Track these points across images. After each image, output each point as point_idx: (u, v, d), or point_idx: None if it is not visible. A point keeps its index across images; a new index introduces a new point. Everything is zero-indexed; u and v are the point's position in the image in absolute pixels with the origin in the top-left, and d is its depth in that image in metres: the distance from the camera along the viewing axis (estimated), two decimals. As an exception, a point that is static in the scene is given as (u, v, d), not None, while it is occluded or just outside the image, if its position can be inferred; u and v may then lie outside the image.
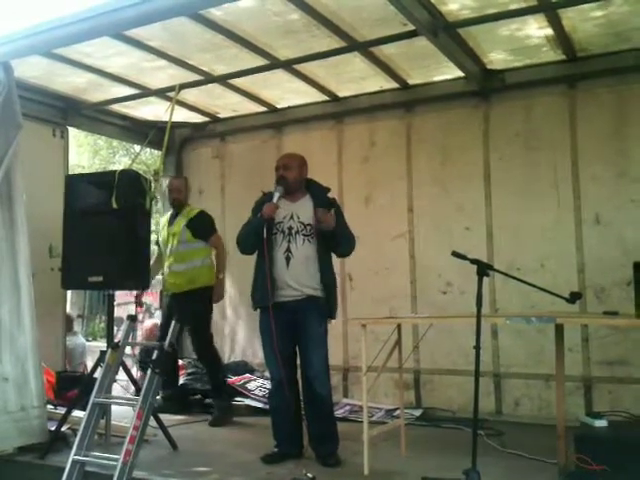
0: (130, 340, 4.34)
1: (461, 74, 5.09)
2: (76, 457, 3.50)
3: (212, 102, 6.11)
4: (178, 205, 5.33)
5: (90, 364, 5.87)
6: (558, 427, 3.58)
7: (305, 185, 4.03)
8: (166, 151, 5.13)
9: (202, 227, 5.21)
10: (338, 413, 4.99)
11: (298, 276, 3.80)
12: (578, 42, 4.67)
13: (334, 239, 3.84)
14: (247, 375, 5.77)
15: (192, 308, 5.10)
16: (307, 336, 3.81)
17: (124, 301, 9.87)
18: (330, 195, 4.06)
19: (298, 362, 3.93)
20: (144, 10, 3.73)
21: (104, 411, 3.88)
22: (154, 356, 3.87)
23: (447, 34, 4.38)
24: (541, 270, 4.98)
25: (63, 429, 4.08)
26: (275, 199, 3.86)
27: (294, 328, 3.81)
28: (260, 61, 4.99)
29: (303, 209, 3.91)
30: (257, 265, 3.93)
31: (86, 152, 16.26)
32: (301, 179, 4.01)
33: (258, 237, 3.80)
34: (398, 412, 4.36)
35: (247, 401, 5.38)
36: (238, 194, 6.30)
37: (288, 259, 3.81)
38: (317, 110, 6.03)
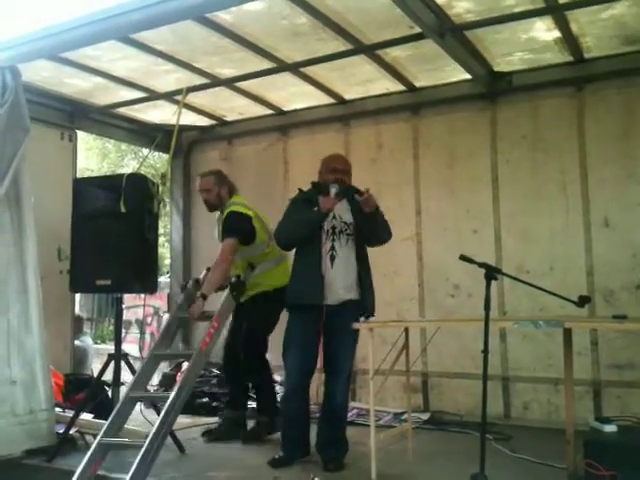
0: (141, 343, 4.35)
1: (468, 76, 5.07)
2: (104, 439, 3.54)
3: (219, 105, 6.12)
4: (211, 207, 4.70)
5: (98, 367, 5.88)
6: (567, 432, 3.55)
7: None
8: (173, 154, 5.13)
9: (223, 230, 4.45)
10: (345, 416, 4.99)
11: (340, 276, 3.77)
12: (586, 44, 4.64)
13: (375, 223, 3.78)
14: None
15: (250, 313, 4.53)
16: (340, 343, 3.76)
17: (133, 304, 9.91)
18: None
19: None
20: (151, 13, 3.75)
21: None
22: None
23: (454, 36, 4.37)
24: (550, 273, 4.96)
25: (71, 432, 4.09)
26: (332, 194, 3.80)
27: (326, 333, 3.74)
28: (267, 64, 5.00)
29: (343, 210, 3.88)
30: (299, 261, 3.89)
31: (95, 155, 16.34)
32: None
33: (312, 232, 3.77)
34: (406, 416, 4.34)
35: (254, 404, 5.37)
36: (246, 196, 6.26)
37: (333, 258, 3.78)
38: (324, 113, 6.03)
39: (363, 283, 3.80)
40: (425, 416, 5.11)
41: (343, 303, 3.76)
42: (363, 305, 3.79)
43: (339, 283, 3.77)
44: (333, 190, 3.82)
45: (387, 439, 3.85)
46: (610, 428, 3.33)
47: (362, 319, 3.72)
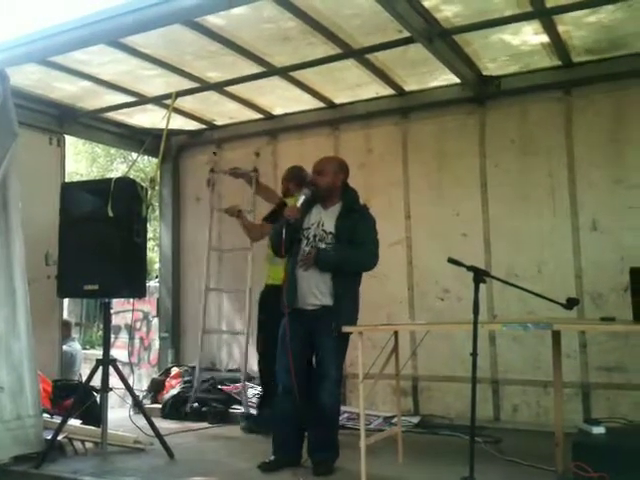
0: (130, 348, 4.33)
1: (457, 80, 5.09)
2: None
3: (208, 109, 6.11)
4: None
5: (86, 372, 5.85)
6: (556, 434, 3.57)
7: (342, 191, 3.96)
8: (163, 158, 5.11)
9: None
10: (336, 420, 4.98)
11: (312, 282, 3.76)
12: (573, 48, 4.68)
13: (335, 267, 3.75)
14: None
15: None
16: (321, 346, 3.77)
17: (122, 309, 9.86)
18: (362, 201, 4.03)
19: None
20: (140, 18, 3.75)
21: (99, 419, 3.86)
22: None
23: (442, 40, 4.39)
24: (538, 276, 4.98)
25: (59, 438, 4.05)
26: (299, 202, 3.83)
27: (311, 337, 3.78)
28: (256, 68, 5.00)
29: (330, 217, 3.86)
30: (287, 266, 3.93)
31: (84, 160, 16.28)
32: (334, 186, 3.92)
33: (279, 239, 3.77)
34: (396, 419, 4.34)
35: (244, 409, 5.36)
36: (234, 201, 6.28)
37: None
38: (313, 117, 6.03)
39: (336, 292, 3.74)
40: (415, 419, 5.12)
41: (321, 308, 3.75)
42: (336, 313, 3.73)
43: (309, 289, 3.77)
44: (301, 197, 3.86)
45: (377, 443, 3.85)
46: (599, 430, 3.34)
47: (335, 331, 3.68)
